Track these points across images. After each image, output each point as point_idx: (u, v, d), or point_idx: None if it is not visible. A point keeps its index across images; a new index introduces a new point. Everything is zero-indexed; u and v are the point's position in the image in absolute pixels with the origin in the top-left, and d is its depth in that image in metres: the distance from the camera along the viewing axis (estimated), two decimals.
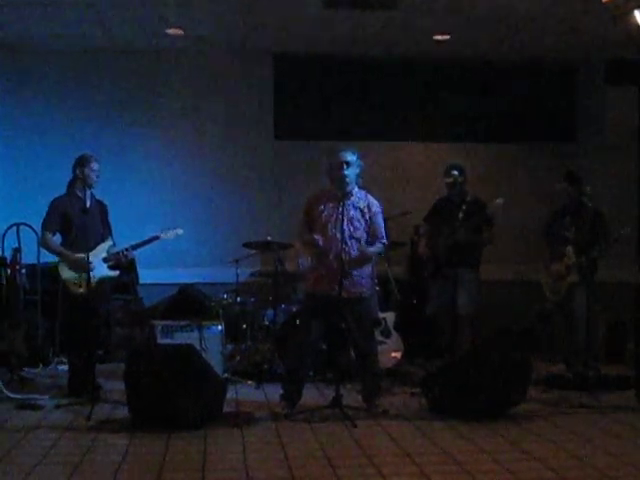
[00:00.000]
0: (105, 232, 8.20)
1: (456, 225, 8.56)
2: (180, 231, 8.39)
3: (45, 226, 8.02)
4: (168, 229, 8.34)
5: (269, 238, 9.32)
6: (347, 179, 7.32)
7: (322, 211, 7.41)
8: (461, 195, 8.80)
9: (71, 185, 8.12)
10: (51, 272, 8.27)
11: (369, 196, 7.53)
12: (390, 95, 11.24)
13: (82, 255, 7.72)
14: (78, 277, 7.86)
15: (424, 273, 9.13)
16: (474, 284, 8.79)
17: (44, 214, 8.03)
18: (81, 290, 7.85)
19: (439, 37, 10.23)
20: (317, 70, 11.19)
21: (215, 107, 11.07)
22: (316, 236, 7.33)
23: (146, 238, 8.17)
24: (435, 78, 11.33)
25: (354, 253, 7.32)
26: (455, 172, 8.83)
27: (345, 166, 7.31)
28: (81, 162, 8.00)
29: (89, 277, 7.64)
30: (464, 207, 8.64)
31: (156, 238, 8.21)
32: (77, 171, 8.00)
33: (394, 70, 11.26)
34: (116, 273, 8.21)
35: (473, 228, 8.60)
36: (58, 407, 7.47)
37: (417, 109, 11.30)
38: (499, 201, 8.43)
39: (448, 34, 10.14)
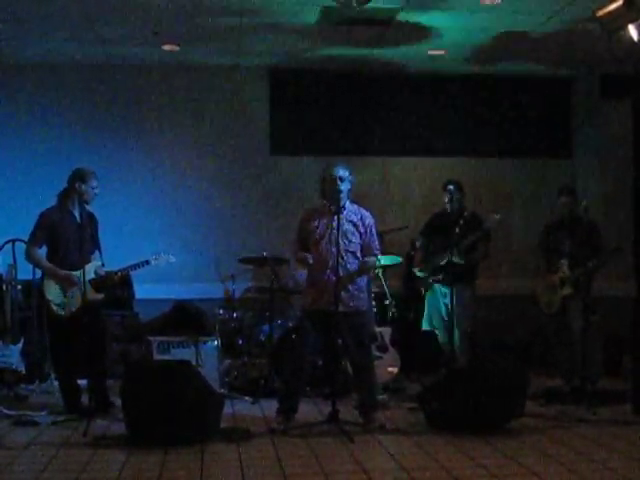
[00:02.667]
0: (93, 249, 8.02)
1: (452, 240, 8.56)
2: (172, 258, 8.32)
3: (32, 239, 7.83)
4: (160, 254, 8.24)
5: (265, 254, 9.31)
6: (341, 194, 7.36)
7: (316, 226, 7.46)
8: (459, 210, 8.82)
9: (63, 197, 7.94)
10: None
11: (362, 209, 7.60)
12: (385, 110, 11.25)
13: (71, 272, 7.67)
14: (62, 299, 7.76)
15: (419, 287, 9.13)
16: (469, 300, 8.81)
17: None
18: (63, 313, 7.76)
19: (434, 52, 10.25)
20: (313, 85, 11.19)
21: (211, 122, 11.07)
22: (307, 254, 7.37)
23: (136, 262, 8.05)
24: (430, 93, 11.35)
25: (350, 267, 7.37)
26: (451, 187, 8.87)
27: (339, 181, 7.36)
28: (81, 177, 7.83)
29: (85, 294, 7.55)
30: (461, 222, 8.64)
31: (146, 263, 8.10)
32: (75, 185, 7.81)
33: (390, 85, 11.27)
34: (101, 296, 8.00)
35: (469, 245, 8.61)
36: (54, 423, 7.44)
37: (412, 124, 11.29)
38: (497, 217, 8.47)
39: (443, 50, 10.16)
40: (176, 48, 10.13)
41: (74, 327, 7.70)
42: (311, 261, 7.34)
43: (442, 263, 8.71)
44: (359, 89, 11.25)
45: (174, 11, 8.75)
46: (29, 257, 7.92)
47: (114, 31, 9.46)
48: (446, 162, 11.17)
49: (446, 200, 8.87)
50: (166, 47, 10.08)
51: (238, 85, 11.11)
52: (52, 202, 8.02)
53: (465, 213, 8.74)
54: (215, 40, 9.86)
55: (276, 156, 11.15)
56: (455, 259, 8.54)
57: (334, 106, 11.21)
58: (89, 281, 7.81)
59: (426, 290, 8.99)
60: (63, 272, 7.72)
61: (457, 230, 8.60)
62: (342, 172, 7.40)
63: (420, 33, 9.50)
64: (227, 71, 11.00)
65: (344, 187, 7.40)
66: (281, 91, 11.18)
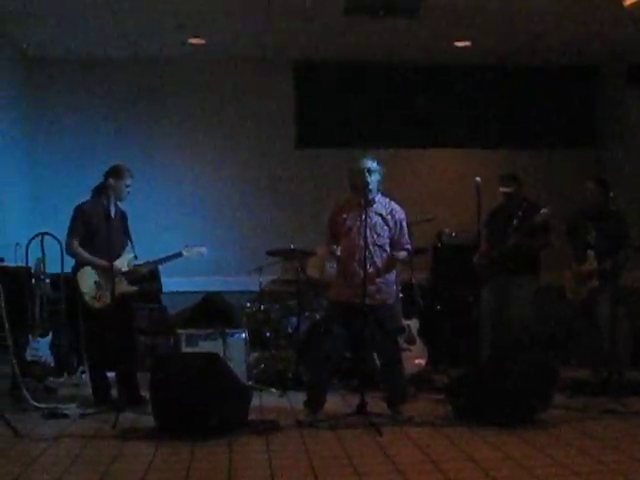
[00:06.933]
0: (125, 242, 8.07)
1: (509, 232, 8.55)
2: (204, 250, 8.28)
3: (71, 233, 7.87)
4: (192, 247, 8.22)
5: (292, 246, 9.29)
6: (369, 186, 7.32)
7: (345, 219, 7.44)
8: (516, 203, 8.79)
9: (98, 192, 7.96)
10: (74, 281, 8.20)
11: (392, 202, 7.54)
12: (413, 101, 11.24)
13: (114, 263, 7.68)
14: (96, 291, 7.79)
15: (480, 278, 9.04)
16: (527, 292, 8.78)
17: (68, 221, 7.90)
18: (98, 305, 7.78)
19: (460, 44, 10.21)
20: (338, 77, 11.20)
21: (236, 116, 11.12)
22: (334, 246, 7.34)
23: (169, 254, 8.09)
24: (456, 84, 11.34)
25: (378, 260, 7.35)
26: (507, 181, 8.85)
27: (367, 173, 7.31)
28: (117, 173, 7.87)
29: (114, 289, 7.57)
30: (520, 214, 8.61)
31: (179, 255, 8.11)
32: (110, 181, 7.83)
33: (416, 77, 11.25)
34: (135, 289, 8.06)
35: (525, 234, 8.59)
36: (84, 416, 7.45)
37: (440, 115, 11.30)
38: (546, 210, 8.41)
39: (469, 40, 10.11)
40: (202, 41, 10.13)
41: (107, 319, 7.72)
42: (339, 253, 7.31)
43: (502, 253, 8.68)
44: (386, 80, 11.25)
45: (199, 3, 8.75)
46: (70, 250, 7.92)
47: (140, 26, 9.49)
48: (474, 154, 11.13)
49: (503, 192, 8.85)
50: (192, 41, 10.10)
51: (263, 77, 11.12)
52: (81, 196, 8.06)
53: (524, 204, 8.71)
54: (240, 32, 9.85)
55: (302, 149, 11.17)
56: (514, 249, 8.55)
57: (361, 98, 11.21)
58: (123, 273, 7.88)
59: (486, 281, 8.92)
60: (106, 263, 7.68)
61: (515, 222, 8.59)
62: (370, 164, 7.37)
63: (446, 22, 9.45)
64: (252, 63, 11.02)
65: (372, 179, 7.35)
66: (306, 83, 11.19)
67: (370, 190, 7.34)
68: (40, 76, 10.77)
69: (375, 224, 7.38)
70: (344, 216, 7.46)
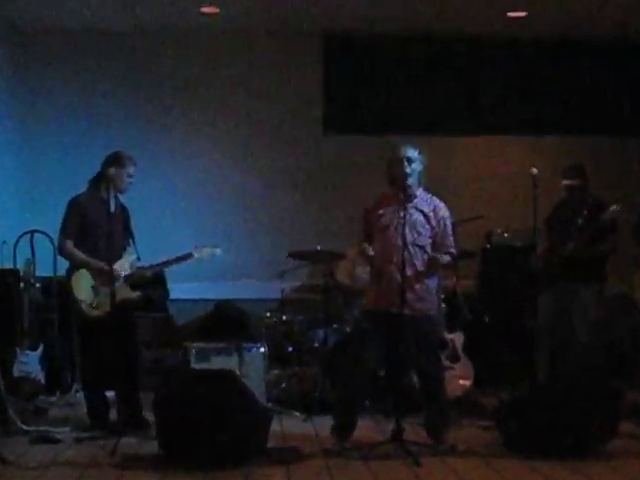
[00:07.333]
0: (126, 241, 8.05)
1: (572, 232, 8.58)
2: (218, 251, 8.27)
3: (65, 230, 7.83)
4: (204, 247, 8.20)
5: (318, 247, 9.28)
6: (409, 178, 7.33)
7: (381, 216, 7.44)
8: (581, 199, 8.80)
9: (95, 183, 7.94)
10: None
11: (435, 199, 7.53)
12: (456, 81, 11.27)
13: (113, 265, 7.67)
14: (93, 297, 7.77)
15: (537, 284, 9.05)
16: (592, 301, 8.77)
17: (62, 217, 7.86)
18: (95, 314, 7.75)
19: (514, 14, 10.22)
20: (373, 53, 11.19)
21: (255, 97, 11.12)
22: (367, 245, 7.36)
23: (178, 255, 8.08)
24: (508, 61, 11.32)
25: (417, 263, 7.33)
26: (572, 173, 8.86)
27: (406, 163, 7.32)
28: (117, 161, 7.84)
29: (114, 293, 7.56)
30: (585, 212, 8.63)
31: (189, 256, 8.09)
32: (109, 171, 7.79)
33: (461, 52, 11.25)
34: (137, 295, 8.05)
35: (590, 237, 8.60)
36: (78, 441, 7.49)
37: (486, 97, 11.31)
38: (615, 207, 8.38)
39: (524, 10, 10.12)
40: (215, 10, 10.17)
41: (106, 330, 7.70)
42: (371, 253, 7.32)
43: (563, 256, 8.70)
44: (425, 57, 11.24)
45: None
46: (63, 250, 7.88)
47: None
48: (528, 141, 11.17)
49: (566, 185, 8.88)
50: (205, 9, 10.12)
51: (286, 52, 11.13)
52: (77, 188, 8.05)
53: (590, 201, 8.73)
54: (259, 1, 9.88)
55: (330, 135, 11.18)
56: (577, 252, 8.57)
57: (397, 77, 11.20)
58: (125, 277, 7.90)
59: (544, 287, 8.93)
60: (105, 265, 7.66)
61: (579, 221, 8.62)
62: (411, 152, 7.36)
63: None
64: (274, 36, 11.01)
65: (413, 170, 7.34)
66: (336, 60, 11.19)
67: (410, 182, 7.34)
68: (32, 53, 10.80)
69: (415, 221, 7.36)
70: (380, 212, 7.46)
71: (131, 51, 10.98)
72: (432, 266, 7.41)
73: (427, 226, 7.40)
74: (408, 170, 7.33)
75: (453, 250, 7.56)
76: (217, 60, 11.14)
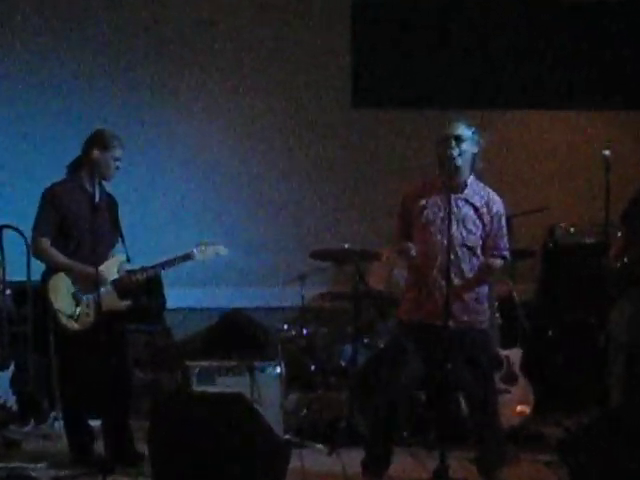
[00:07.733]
0: (115, 239, 8.04)
1: None
2: (222, 250, 8.23)
3: (39, 226, 7.79)
4: (206, 245, 8.14)
5: (346, 245, 9.24)
6: (457, 162, 7.13)
7: (423, 208, 7.28)
8: None
9: (76, 170, 7.90)
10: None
11: (489, 190, 7.37)
12: (502, 49, 11.23)
13: (99, 268, 7.55)
14: (74, 307, 7.71)
15: (612, 289, 8.97)
16: None
17: (36, 210, 7.80)
18: (77, 326, 7.71)
19: None
20: (407, 21, 11.21)
21: (276, 69, 11.11)
22: (409, 244, 7.22)
23: (176, 256, 8.01)
24: (569, 20, 11.25)
25: (466, 267, 7.21)
26: None
27: (453, 142, 7.13)
28: (100, 142, 7.77)
29: (99, 302, 7.48)
30: None
31: (188, 257, 8.04)
32: (92, 153, 7.73)
33: (506, 17, 11.23)
34: (127, 304, 8.00)
35: None
36: None
37: (544, 64, 11.22)
38: None
39: None
40: None
41: (90, 347, 7.68)
42: (414, 253, 7.18)
43: None
44: (464, 23, 11.26)
45: None
46: (37, 249, 7.84)
47: None
48: (597, 117, 11.13)
49: None
50: None
51: (311, 18, 11.12)
52: (55, 176, 8.00)
53: None
54: None
55: (360, 109, 11.15)
56: None
57: (433, 46, 11.21)
58: (112, 283, 7.84)
59: (619, 294, 8.81)
60: (89, 268, 7.57)
61: None
62: (461, 130, 7.17)
63: None
64: (298, 3, 11.04)
65: (462, 151, 7.14)
66: (366, 28, 11.23)
67: (458, 167, 7.17)
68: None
69: (465, 217, 7.23)
70: (422, 203, 7.30)
71: (128, 13, 10.93)
72: (486, 273, 7.32)
73: (479, 223, 7.26)
74: (455, 152, 7.11)
75: (507, 253, 7.42)
76: (230, 26, 11.10)
